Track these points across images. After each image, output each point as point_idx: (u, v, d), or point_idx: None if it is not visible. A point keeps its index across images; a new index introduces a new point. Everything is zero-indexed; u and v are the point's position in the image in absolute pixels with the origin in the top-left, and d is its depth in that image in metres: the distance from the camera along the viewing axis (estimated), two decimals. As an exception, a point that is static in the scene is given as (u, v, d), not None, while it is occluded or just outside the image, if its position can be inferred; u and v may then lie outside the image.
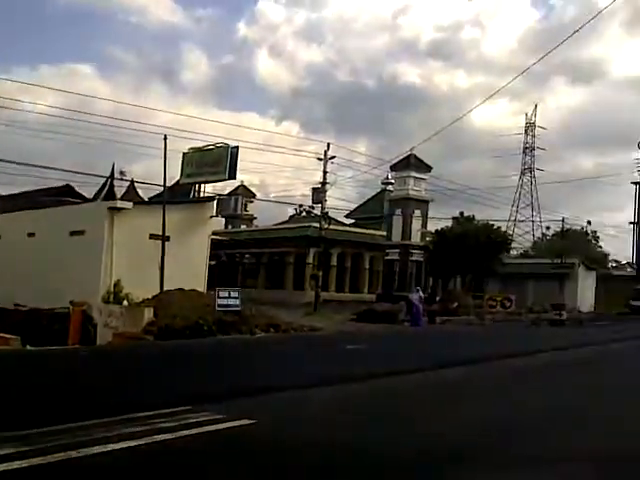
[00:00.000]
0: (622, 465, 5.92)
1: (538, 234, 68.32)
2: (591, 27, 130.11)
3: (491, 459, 6.00)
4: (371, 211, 50.19)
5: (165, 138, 24.33)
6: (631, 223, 51.64)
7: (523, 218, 71.05)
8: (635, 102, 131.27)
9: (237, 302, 19.98)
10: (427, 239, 39.05)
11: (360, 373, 11.04)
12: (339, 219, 49.38)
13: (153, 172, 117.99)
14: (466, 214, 44.48)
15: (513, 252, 59.95)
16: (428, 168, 38.91)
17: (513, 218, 69.85)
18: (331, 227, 35.74)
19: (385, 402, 9.04)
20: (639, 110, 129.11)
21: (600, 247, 67.12)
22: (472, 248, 35.00)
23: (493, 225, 40.87)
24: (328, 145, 32.59)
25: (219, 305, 19.37)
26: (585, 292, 45.28)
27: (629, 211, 51.69)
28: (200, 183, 30.33)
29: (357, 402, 8.91)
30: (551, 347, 18.06)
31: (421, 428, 7.25)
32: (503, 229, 46.74)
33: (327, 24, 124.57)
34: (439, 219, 42.78)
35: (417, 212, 38.07)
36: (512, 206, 70.82)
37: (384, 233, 41.73)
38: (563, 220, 52.85)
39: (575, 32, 19.99)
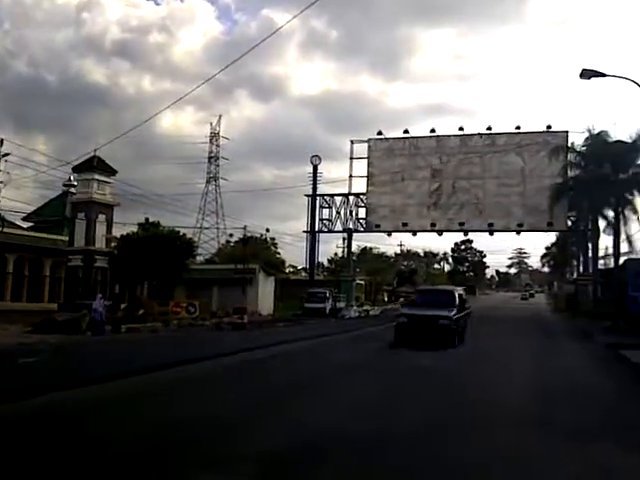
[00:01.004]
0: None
1: (223, 241, 71.15)
2: (272, 46, 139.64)
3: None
4: (52, 214, 47.12)
5: None
6: (304, 232, 56.52)
7: (209, 225, 73.32)
8: (309, 120, 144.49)
9: None
10: (112, 245, 37.98)
11: (28, 388, 10.45)
12: (17, 222, 45.44)
13: None
14: (153, 220, 44.32)
15: (200, 258, 61.47)
16: (113, 171, 37.84)
17: (199, 225, 71.68)
18: (6, 230, 32.74)
19: (57, 420, 8.70)
20: (313, 127, 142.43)
21: (279, 253, 72.52)
22: (157, 254, 35.03)
23: (179, 232, 41.40)
24: (1, 141, 29.94)
25: None
26: (265, 296, 48.33)
27: (305, 220, 56.39)
28: None
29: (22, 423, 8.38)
30: (232, 350, 18.81)
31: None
32: (190, 235, 47.63)
33: (2, 9, 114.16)
34: (124, 224, 41.96)
35: (101, 217, 36.66)
36: (199, 213, 72.73)
37: (66, 238, 39.46)
38: (245, 227, 55.88)
39: (252, 49, 21.50)
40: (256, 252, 56.49)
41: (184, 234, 41.54)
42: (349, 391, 11.58)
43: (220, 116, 79.40)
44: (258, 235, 63.73)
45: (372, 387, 12.09)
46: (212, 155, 75.75)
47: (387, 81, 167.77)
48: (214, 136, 75.70)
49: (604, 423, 9.00)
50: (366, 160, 54.11)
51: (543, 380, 13.74)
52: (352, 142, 55.20)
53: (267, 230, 65.92)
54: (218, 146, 75.80)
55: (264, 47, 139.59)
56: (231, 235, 64.35)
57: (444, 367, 15.52)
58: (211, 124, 77.44)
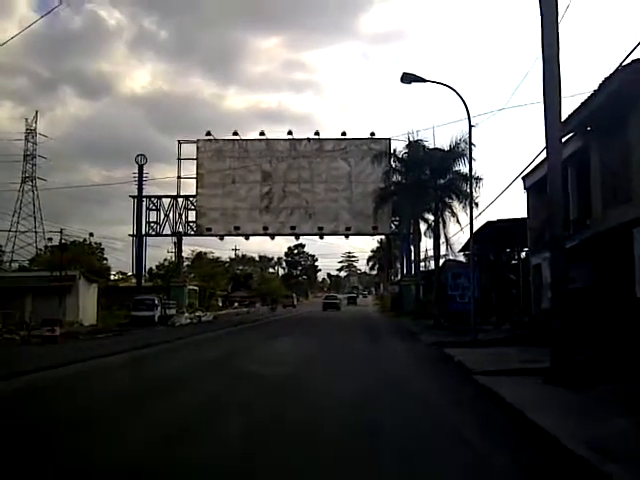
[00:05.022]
0: None
1: (42, 246, 66.18)
2: (100, 43, 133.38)
3: None
4: None
5: None
6: (130, 235, 53.55)
7: (25, 229, 67.95)
8: (140, 120, 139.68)
9: None
10: None
11: None
12: None
13: None
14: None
15: (14, 265, 56.64)
16: None
17: (14, 229, 66.26)
18: None
19: None
20: (144, 128, 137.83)
21: (105, 259, 68.74)
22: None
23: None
24: None
25: None
26: (87, 305, 45.21)
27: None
28: None
29: None
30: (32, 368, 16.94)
31: None
32: (4, 241, 43.48)
33: None
34: None
35: None
36: (13, 216, 67.34)
37: None
38: (61, 231, 51.71)
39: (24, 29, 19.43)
40: (78, 258, 52.76)
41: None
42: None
43: (37, 112, 74.04)
44: (81, 240, 59.91)
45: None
46: (28, 154, 70.21)
47: (221, 84, 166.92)
48: (30, 133, 70.27)
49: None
50: (195, 161, 52.85)
51: (369, 382, 13.45)
52: (180, 142, 53.74)
53: (91, 234, 62.50)
54: (35, 144, 70.48)
55: (91, 44, 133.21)
56: (50, 240, 59.78)
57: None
58: (26, 120, 71.89)
